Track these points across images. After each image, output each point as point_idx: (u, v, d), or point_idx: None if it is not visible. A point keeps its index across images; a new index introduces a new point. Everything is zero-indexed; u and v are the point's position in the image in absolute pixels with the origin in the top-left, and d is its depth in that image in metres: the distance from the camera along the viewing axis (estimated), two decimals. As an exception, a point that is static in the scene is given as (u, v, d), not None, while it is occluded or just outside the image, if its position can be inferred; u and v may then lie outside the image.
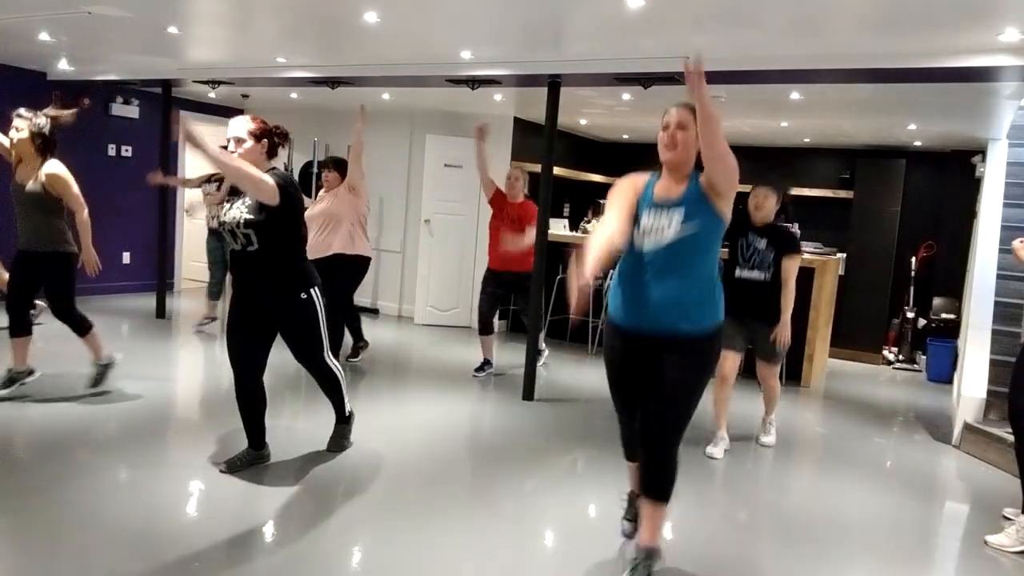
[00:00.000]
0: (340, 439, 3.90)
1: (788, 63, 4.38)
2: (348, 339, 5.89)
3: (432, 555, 2.87)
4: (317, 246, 5.22)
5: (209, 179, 6.37)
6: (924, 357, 7.44)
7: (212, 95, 7.88)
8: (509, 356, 6.53)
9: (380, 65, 5.56)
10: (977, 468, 4.52)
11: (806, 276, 6.36)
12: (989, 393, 4.86)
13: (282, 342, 3.53)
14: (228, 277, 6.23)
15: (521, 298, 5.67)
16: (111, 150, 8.06)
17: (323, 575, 2.65)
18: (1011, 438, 3.62)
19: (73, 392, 4.45)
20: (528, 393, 5.27)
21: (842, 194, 8.23)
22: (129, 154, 8.23)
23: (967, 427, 4.81)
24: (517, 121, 7.81)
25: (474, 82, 5.49)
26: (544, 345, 6.34)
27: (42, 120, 4.18)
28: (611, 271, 3.00)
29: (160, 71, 6.62)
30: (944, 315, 7.44)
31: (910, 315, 7.72)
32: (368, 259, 5.60)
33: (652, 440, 2.65)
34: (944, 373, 6.95)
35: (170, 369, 5.61)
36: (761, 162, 8.23)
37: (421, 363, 6.43)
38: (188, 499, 3.21)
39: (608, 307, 2.78)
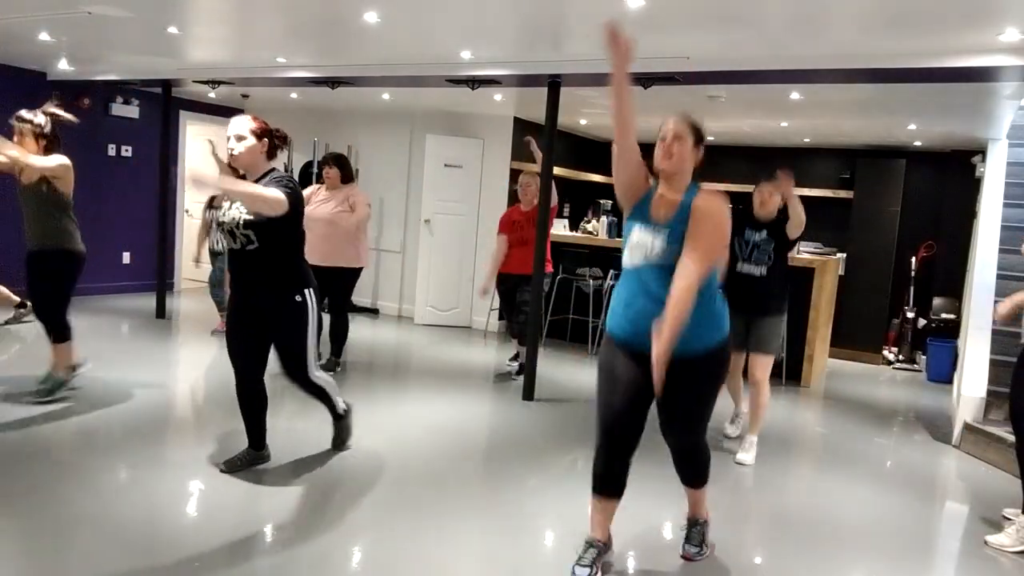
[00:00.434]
0: (342, 435, 3.94)
1: (788, 63, 4.38)
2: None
3: (432, 555, 2.87)
4: (322, 254, 5.16)
5: (210, 204, 6.24)
6: (924, 357, 7.44)
7: (212, 95, 7.88)
8: (509, 356, 6.52)
9: (380, 65, 5.56)
10: (977, 468, 4.52)
11: (806, 276, 6.37)
12: (989, 393, 4.86)
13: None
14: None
15: (520, 298, 5.68)
16: (111, 150, 8.06)
17: (323, 575, 2.66)
18: (1011, 438, 3.62)
19: (73, 392, 4.44)
20: (528, 393, 5.27)
21: (842, 194, 8.23)
22: (129, 154, 8.22)
23: (967, 427, 4.81)
24: (517, 121, 7.81)
25: (474, 82, 5.49)
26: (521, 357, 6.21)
27: (42, 119, 4.18)
28: (611, 280, 2.98)
29: (160, 71, 6.62)
30: (944, 315, 7.44)
31: (910, 315, 7.72)
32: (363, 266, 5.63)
33: (677, 441, 2.80)
34: (944, 373, 6.95)
35: (170, 369, 5.61)
36: (761, 162, 8.22)
37: (421, 363, 6.43)
38: (188, 499, 3.21)
39: (607, 319, 2.76)
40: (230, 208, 3.26)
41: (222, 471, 3.46)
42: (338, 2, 4.05)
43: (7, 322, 6.18)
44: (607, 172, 10.45)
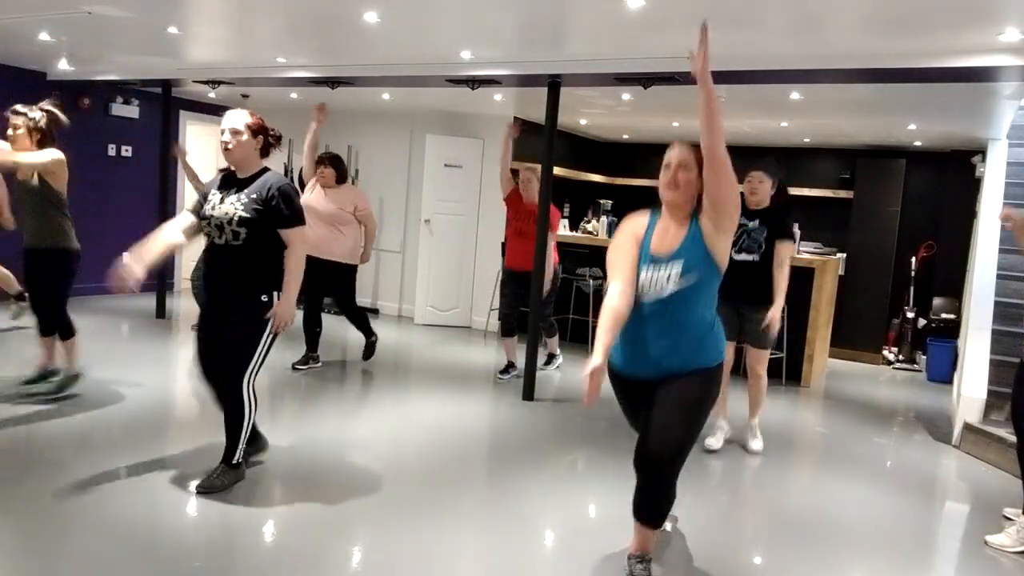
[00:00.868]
0: (214, 479, 3.26)
1: (788, 63, 4.38)
2: (357, 340, 5.89)
3: (432, 555, 2.87)
4: (323, 247, 5.37)
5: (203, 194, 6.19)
6: (924, 357, 7.44)
7: (212, 95, 7.88)
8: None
9: (380, 65, 5.56)
10: (977, 468, 4.52)
11: (806, 276, 6.36)
12: (989, 393, 4.85)
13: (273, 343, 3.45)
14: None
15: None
16: (111, 150, 8.06)
17: (323, 575, 2.66)
18: (1011, 438, 3.62)
19: (73, 392, 4.44)
20: (528, 393, 5.27)
21: (842, 194, 8.23)
22: (129, 154, 8.22)
23: (967, 427, 4.81)
24: (517, 121, 7.79)
25: (474, 82, 5.49)
26: (559, 350, 6.33)
27: (37, 114, 4.18)
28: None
29: (160, 71, 6.62)
30: (944, 315, 7.43)
31: (910, 315, 7.71)
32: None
33: (651, 461, 2.55)
34: (944, 373, 6.95)
35: (170, 369, 5.61)
36: (761, 162, 8.21)
37: (421, 363, 6.43)
38: (188, 499, 3.21)
39: (611, 356, 2.70)
40: (223, 203, 3.21)
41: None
42: (338, 2, 4.05)
43: (13, 316, 6.15)
44: (607, 172, 10.49)
